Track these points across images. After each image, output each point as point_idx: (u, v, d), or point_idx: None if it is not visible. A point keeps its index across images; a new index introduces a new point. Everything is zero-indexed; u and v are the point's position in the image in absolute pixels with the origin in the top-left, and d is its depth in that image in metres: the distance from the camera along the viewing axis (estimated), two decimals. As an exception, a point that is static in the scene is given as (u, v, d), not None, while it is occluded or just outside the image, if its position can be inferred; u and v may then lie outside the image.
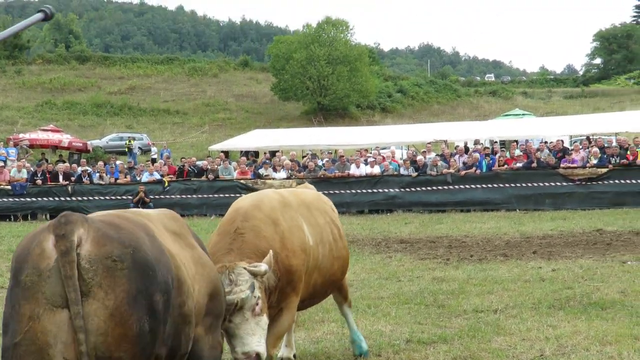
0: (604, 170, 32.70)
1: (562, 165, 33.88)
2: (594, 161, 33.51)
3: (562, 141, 38.05)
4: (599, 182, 32.57)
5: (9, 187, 36.55)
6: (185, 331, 5.91)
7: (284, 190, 9.36)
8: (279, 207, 8.32)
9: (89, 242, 4.91)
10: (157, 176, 37.21)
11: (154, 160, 50.79)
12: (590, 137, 41.43)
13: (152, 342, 5.13)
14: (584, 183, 32.77)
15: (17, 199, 36.19)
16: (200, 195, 34.77)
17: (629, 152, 33.71)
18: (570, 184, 32.95)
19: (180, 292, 5.73)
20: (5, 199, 36.30)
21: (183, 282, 5.83)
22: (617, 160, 33.16)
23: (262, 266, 7.36)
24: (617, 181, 32.39)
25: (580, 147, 35.73)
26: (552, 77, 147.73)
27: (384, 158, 38.07)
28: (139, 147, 62.93)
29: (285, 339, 10.03)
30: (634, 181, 32.12)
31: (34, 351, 4.83)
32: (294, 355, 10.07)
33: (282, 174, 36.08)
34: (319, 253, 8.62)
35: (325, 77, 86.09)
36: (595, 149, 34.74)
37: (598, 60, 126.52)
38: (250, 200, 8.38)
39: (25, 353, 4.86)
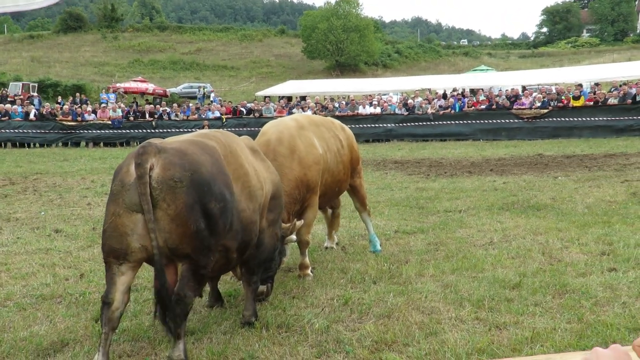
0: (545, 110, 32.70)
1: (514, 107, 33.90)
2: (538, 104, 33.53)
3: (517, 89, 37.88)
4: (541, 120, 32.60)
5: (110, 122, 36.90)
6: (253, 228, 6.19)
7: (298, 115, 9.38)
8: (296, 132, 8.30)
9: (158, 168, 5.19)
10: (217, 114, 37.46)
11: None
12: (536, 86, 41.36)
13: (210, 236, 5.40)
14: (530, 120, 32.82)
15: (115, 131, 36.54)
16: (249, 128, 34.65)
17: (563, 98, 33.83)
18: (520, 121, 33.03)
19: (242, 198, 5.97)
20: (107, 131, 36.68)
21: (246, 189, 6.08)
22: (555, 104, 33.17)
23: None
24: (554, 119, 32.42)
25: (528, 93, 35.67)
26: (510, 41, 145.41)
27: (384, 101, 38.15)
28: (203, 93, 62.97)
29: (328, 233, 10.49)
30: (567, 119, 32.20)
31: (116, 236, 5.24)
32: (337, 243, 10.42)
33: (309, 112, 36.12)
34: (327, 158, 8.61)
35: (341, 42, 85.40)
36: (539, 95, 34.80)
37: (545, 29, 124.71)
38: (275, 133, 8.25)
39: (110, 237, 5.28)
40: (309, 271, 8.60)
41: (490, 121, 33.55)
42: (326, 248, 10.26)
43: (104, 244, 5.39)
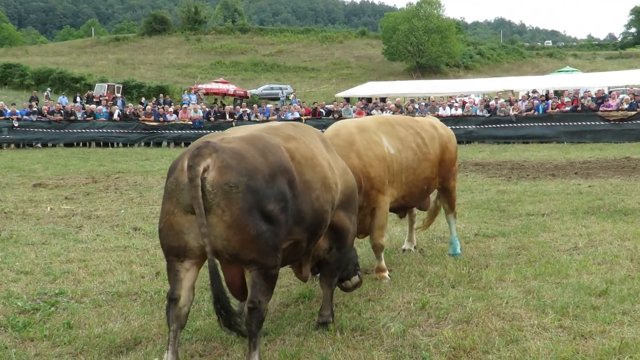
0: (633, 112, 31.98)
1: (600, 108, 33.14)
2: (625, 106, 32.75)
3: (603, 90, 36.94)
4: (629, 122, 31.94)
5: (191, 122, 37.41)
6: (325, 217, 5.99)
7: (366, 118, 9.14)
8: (356, 131, 8.12)
9: (214, 171, 4.98)
10: (297, 115, 37.60)
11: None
12: (623, 87, 40.31)
13: (273, 235, 5.19)
14: (617, 122, 32.05)
15: (196, 131, 36.94)
16: (328, 130, 34.64)
17: (653, 99, 32.86)
18: (607, 123, 32.35)
19: (317, 186, 5.78)
20: (188, 131, 37.17)
21: (320, 179, 5.87)
22: (644, 105, 32.35)
23: None
24: (642, 121, 31.61)
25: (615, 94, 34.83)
26: (596, 42, 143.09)
27: (465, 102, 37.77)
28: (286, 96, 63.46)
29: (407, 235, 10.25)
30: (657, 121, 31.37)
31: (172, 235, 5.13)
32: (415, 247, 10.15)
33: (388, 113, 35.98)
34: (403, 157, 8.49)
35: (422, 43, 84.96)
36: (627, 96, 33.98)
37: (633, 30, 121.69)
38: (332, 130, 8.22)
39: (166, 235, 5.20)
40: (386, 274, 8.42)
41: (574, 123, 32.86)
42: (404, 250, 10.03)
43: (162, 243, 5.31)
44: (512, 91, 41.18)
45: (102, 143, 37.30)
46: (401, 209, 9.30)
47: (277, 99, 60.98)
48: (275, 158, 5.42)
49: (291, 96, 56.38)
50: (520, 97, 38.34)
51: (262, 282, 5.25)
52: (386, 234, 8.58)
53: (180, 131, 37.30)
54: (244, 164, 5.13)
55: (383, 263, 8.51)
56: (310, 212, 5.71)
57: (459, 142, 33.77)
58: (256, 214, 5.07)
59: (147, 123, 37.62)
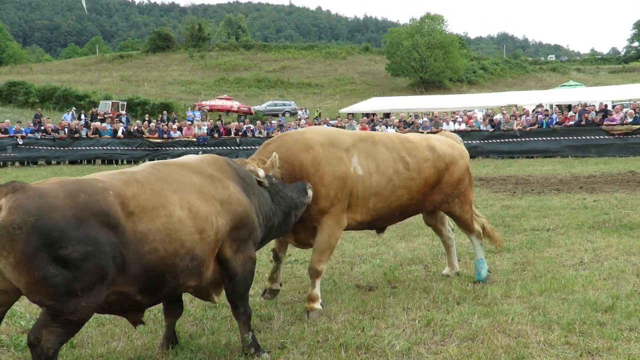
0: (637, 126, 31.87)
1: (605, 122, 33.08)
2: (630, 120, 32.69)
3: (606, 104, 36.85)
4: (633, 136, 31.79)
5: (195, 139, 37.43)
6: (163, 272, 5.54)
7: (351, 132, 8.36)
8: (323, 140, 7.61)
9: (5, 211, 4.71)
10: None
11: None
12: (627, 102, 40.28)
13: (69, 281, 4.84)
14: (621, 136, 31.98)
15: (200, 148, 36.94)
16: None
17: (657, 113, 32.84)
18: (611, 137, 32.24)
19: (142, 242, 5.32)
20: (192, 148, 37.14)
21: (164, 230, 5.44)
22: (648, 119, 32.33)
23: (260, 171, 6.82)
24: (647, 135, 31.57)
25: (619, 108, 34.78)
26: (599, 57, 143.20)
27: (469, 117, 37.72)
28: (288, 111, 63.54)
29: (447, 260, 9.56)
30: (661, 135, 31.31)
31: None
32: (457, 273, 9.40)
33: (391, 129, 35.95)
34: (372, 181, 7.84)
35: (425, 59, 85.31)
36: (631, 110, 33.95)
37: (636, 44, 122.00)
38: (297, 132, 7.87)
39: None
40: (315, 305, 7.63)
41: (579, 137, 32.78)
42: (446, 276, 9.33)
43: None
44: (515, 106, 41.18)
45: (106, 160, 37.33)
46: (371, 228, 8.67)
47: (282, 114, 61.15)
48: (90, 200, 5.09)
49: (299, 112, 56.68)
50: (523, 112, 38.33)
51: (49, 321, 4.91)
52: (327, 261, 7.86)
53: (184, 148, 37.28)
54: (37, 203, 4.82)
55: (316, 291, 7.71)
56: (139, 265, 5.31)
57: (463, 157, 33.62)
58: (43, 256, 4.75)
59: (151, 140, 37.65)
